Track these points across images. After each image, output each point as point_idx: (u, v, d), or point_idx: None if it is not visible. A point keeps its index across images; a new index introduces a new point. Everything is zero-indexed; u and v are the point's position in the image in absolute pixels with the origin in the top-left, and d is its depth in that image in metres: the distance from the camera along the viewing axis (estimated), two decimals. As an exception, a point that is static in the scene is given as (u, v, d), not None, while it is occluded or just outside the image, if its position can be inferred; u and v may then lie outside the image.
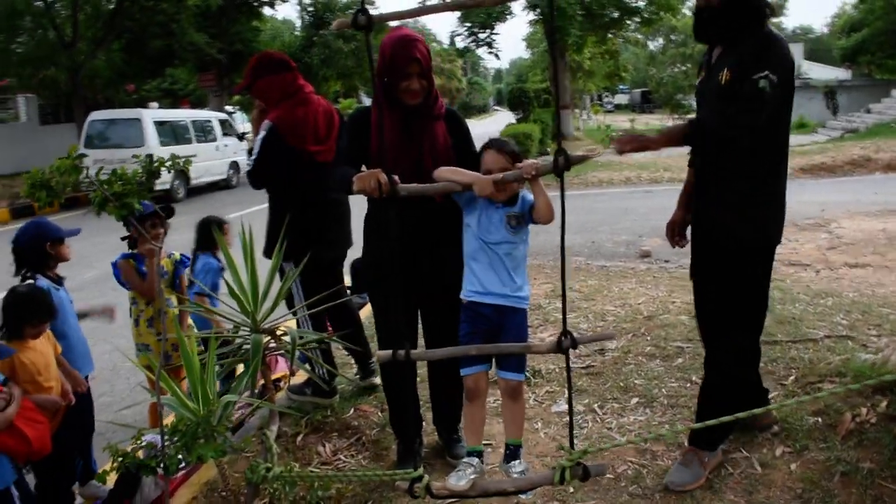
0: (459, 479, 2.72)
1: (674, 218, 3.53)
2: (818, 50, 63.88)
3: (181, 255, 4.37)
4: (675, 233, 3.53)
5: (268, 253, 3.97)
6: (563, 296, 2.57)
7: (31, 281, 3.48)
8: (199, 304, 4.28)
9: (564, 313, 2.54)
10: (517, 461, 2.93)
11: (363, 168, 3.01)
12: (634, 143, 2.93)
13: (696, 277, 3.36)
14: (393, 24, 4.33)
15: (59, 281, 3.72)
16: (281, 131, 3.87)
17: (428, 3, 21.33)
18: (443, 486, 2.72)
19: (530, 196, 2.88)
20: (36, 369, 3.20)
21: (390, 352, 2.43)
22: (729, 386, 3.21)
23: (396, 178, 2.52)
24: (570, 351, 2.48)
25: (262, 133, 3.91)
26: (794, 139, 22.12)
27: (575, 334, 2.50)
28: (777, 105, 2.94)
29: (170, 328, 4.05)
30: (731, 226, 3.08)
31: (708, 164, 3.20)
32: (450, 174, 2.82)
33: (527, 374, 4.43)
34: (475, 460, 2.89)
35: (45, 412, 3.17)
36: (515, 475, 2.85)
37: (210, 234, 4.32)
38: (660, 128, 3.02)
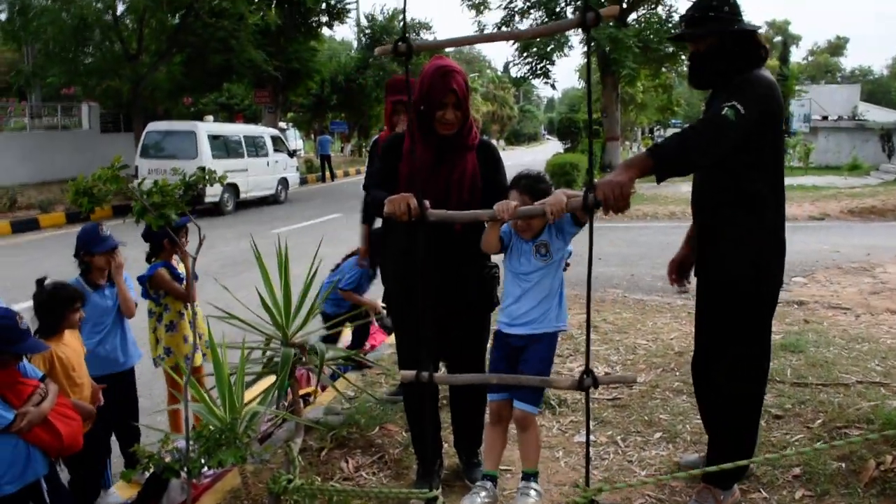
0: (472, 502, 2.77)
1: (675, 257, 3.55)
2: (877, 92, 62.83)
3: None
4: (674, 271, 3.55)
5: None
6: (588, 334, 2.61)
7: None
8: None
9: (588, 351, 2.58)
10: (532, 489, 2.96)
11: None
12: (617, 196, 2.51)
13: (696, 320, 3.37)
14: (440, 52, 4.44)
15: (96, 286, 3.95)
16: None
17: (485, 31, 21.39)
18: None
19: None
20: (70, 365, 3.39)
21: (414, 373, 2.49)
22: (730, 433, 3.21)
23: (427, 203, 2.60)
24: (612, 383, 2.52)
25: None
26: (846, 181, 21.79)
27: (597, 373, 2.53)
28: (756, 142, 2.93)
29: (203, 327, 4.24)
30: (727, 270, 3.08)
31: (705, 205, 3.22)
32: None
33: (552, 402, 4.47)
34: (489, 484, 2.94)
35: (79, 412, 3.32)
36: (530, 500, 2.88)
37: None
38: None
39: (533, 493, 2.89)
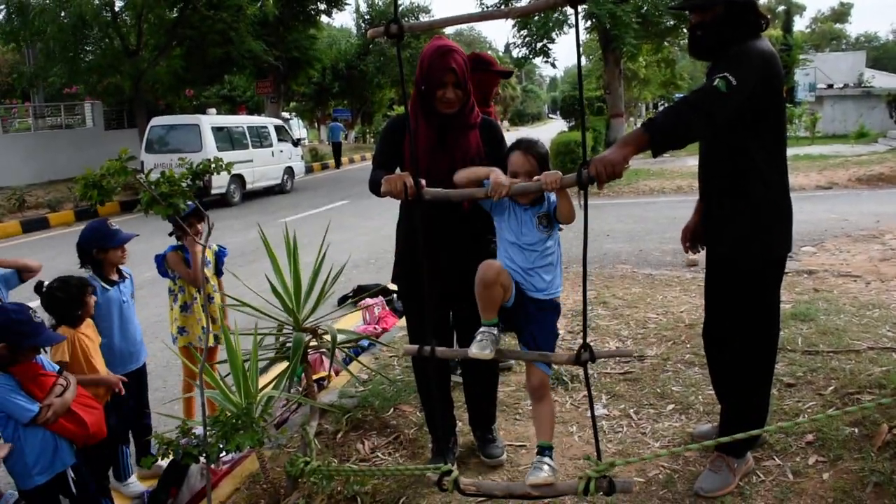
0: (483, 349, 2.73)
1: (688, 224, 3.56)
2: (883, 58, 62.26)
3: (218, 245, 4.61)
4: (687, 238, 3.55)
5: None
6: (584, 309, 2.63)
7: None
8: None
9: (585, 326, 2.60)
10: (546, 463, 2.95)
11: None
12: (609, 174, 2.53)
13: (705, 290, 3.38)
14: (439, 32, 4.43)
15: (109, 281, 3.98)
16: None
17: (481, 9, 21.35)
18: (471, 482, 2.79)
19: (554, 196, 2.90)
20: (89, 351, 3.45)
21: (416, 347, 2.51)
22: (742, 402, 3.22)
23: (423, 182, 2.61)
24: (610, 357, 2.53)
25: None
26: (853, 149, 21.66)
27: (608, 348, 2.54)
28: (756, 113, 2.92)
29: (217, 314, 4.30)
30: (731, 240, 3.08)
31: (707, 176, 3.22)
32: (466, 173, 2.87)
33: (565, 378, 4.50)
34: (494, 329, 2.85)
35: (97, 391, 3.40)
36: (543, 474, 2.85)
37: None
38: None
39: (546, 467, 2.87)
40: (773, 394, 3.73)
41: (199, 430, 3.02)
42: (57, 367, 3.16)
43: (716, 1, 3.00)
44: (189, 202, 2.73)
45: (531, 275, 2.98)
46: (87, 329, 3.58)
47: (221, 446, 2.84)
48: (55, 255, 10.22)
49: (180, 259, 4.36)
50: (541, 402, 3.06)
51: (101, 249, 3.93)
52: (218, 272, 4.62)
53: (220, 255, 4.62)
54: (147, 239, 4.36)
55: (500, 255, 3.06)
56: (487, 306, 2.89)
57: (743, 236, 3.05)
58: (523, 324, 3.03)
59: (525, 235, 2.96)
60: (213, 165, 2.63)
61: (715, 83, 2.75)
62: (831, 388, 4.09)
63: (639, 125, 3.06)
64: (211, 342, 4.37)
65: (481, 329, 2.85)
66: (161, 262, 4.39)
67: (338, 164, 28.17)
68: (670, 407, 4.11)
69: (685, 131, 2.73)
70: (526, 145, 2.98)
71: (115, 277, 4.02)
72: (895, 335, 4.89)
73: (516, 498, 2.90)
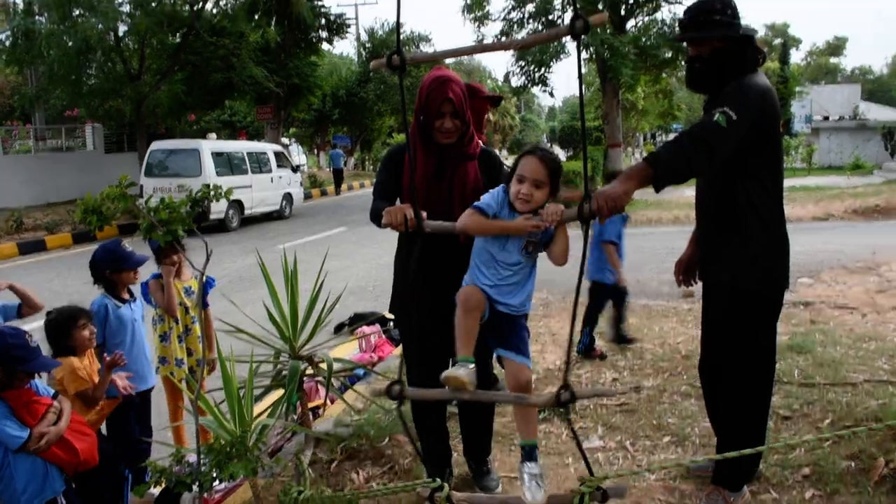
0: (460, 371, 2.63)
1: (681, 257, 3.57)
2: (877, 91, 62.78)
3: (207, 276, 4.57)
4: (680, 272, 3.56)
5: None
6: (569, 347, 2.62)
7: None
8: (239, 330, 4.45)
9: (568, 365, 2.58)
10: (533, 462, 2.83)
11: (397, 203, 3.12)
12: (611, 208, 2.52)
13: (702, 322, 3.39)
14: (438, 63, 4.48)
15: (121, 300, 4.04)
16: None
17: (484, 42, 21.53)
18: (464, 496, 2.76)
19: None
20: (88, 374, 3.45)
21: (386, 385, 2.52)
22: (738, 434, 3.21)
23: (424, 214, 2.62)
24: (590, 397, 2.49)
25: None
26: (849, 181, 21.76)
27: (605, 379, 2.52)
28: (753, 147, 2.94)
29: (196, 346, 4.29)
30: (729, 274, 3.09)
31: (704, 210, 3.24)
32: (478, 228, 2.78)
33: (560, 408, 4.47)
34: (470, 365, 2.71)
35: (92, 415, 3.40)
36: (541, 496, 2.74)
37: None
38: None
39: (540, 484, 2.74)
40: (770, 426, 3.72)
41: (192, 458, 3.00)
42: (51, 392, 3.14)
43: (714, 35, 3.04)
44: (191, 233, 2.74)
45: (499, 290, 2.86)
46: (87, 360, 3.57)
47: (215, 475, 2.82)
48: (52, 277, 10.22)
49: (159, 287, 4.35)
50: (524, 392, 2.83)
51: (114, 271, 3.99)
52: (203, 303, 4.52)
53: (205, 286, 4.55)
54: (146, 264, 4.36)
55: (472, 269, 2.93)
56: (465, 339, 2.79)
57: (740, 271, 3.06)
58: (489, 329, 2.92)
59: (503, 255, 2.83)
60: (211, 192, 2.64)
61: (715, 118, 2.77)
62: (828, 420, 4.09)
63: (640, 158, 3.07)
64: (180, 375, 4.34)
65: (459, 362, 2.74)
66: (146, 290, 4.39)
67: (338, 191, 28.27)
68: (666, 439, 4.10)
69: (687, 166, 2.74)
70: (543, 153, 2.77)
71: (126, 297, 4.08)
72: (892, 367, 4.90)
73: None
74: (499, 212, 2.79)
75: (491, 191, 2.87)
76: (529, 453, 2.88)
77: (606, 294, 5.79)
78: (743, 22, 3.08)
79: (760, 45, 3.11)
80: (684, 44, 3.31)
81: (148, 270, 4.32)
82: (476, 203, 2.80)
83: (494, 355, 3.21)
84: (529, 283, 2.94)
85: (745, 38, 3.04)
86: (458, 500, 2.68)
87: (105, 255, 3.98)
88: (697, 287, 3.48)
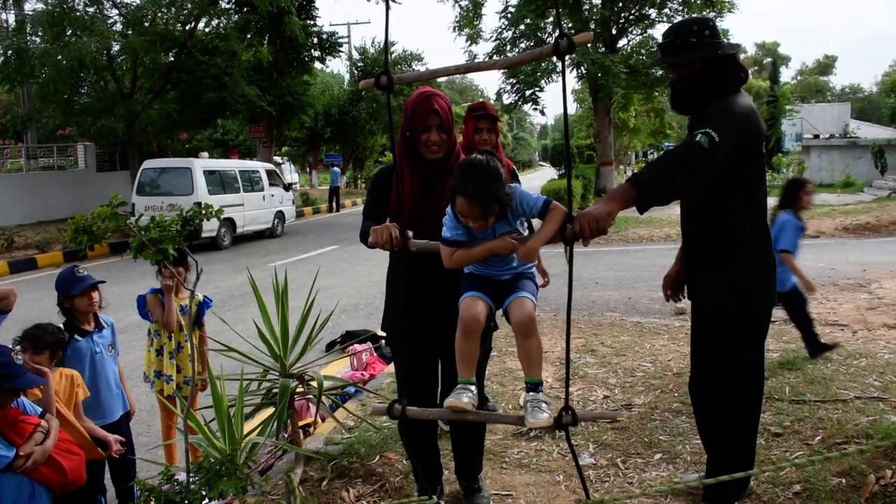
0: (462, 397, 2.62)
1: (669, 272, 3.59)
2: (867, 109, 63.27)
3: (204, 296, 4.58)
4: (668, 286, 3.58)
5: None
6: (567, 369, 2.62)
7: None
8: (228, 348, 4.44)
9: (567, 388, 2.57)
10: (542, 399, 2.67)
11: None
12: (593, 230, 2.51)
13: (691, 340, 3.39)
14: (431, 83, 4.50)
15: (81, 332, 3.85)
16: None
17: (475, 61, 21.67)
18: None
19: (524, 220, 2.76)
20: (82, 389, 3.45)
21: (385, 406, 2.50)
22: (728, 451, 3.22)
23: (410, 233, 2.62)
24: (593, 420, 2.44)
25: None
26: (840, 198, 21.87)
27: (596, 396, 2.50)
28: (737, 167, 2.95)
29: (186, 363, 4.27)
30: (714, 293, 3.11)
31: (689, 229, 3.25)
32: (466, 260, 2.73)
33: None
34: (472, 387, 2.71)
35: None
36: (544, 416, 2.59)
37: None
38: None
39: (544, 406, 2.60)
40: (760, 443, 3.73)
41: (182, 477, 2.99)
42: (39, 411, 3.12)
43: (693, 58, 3.06)
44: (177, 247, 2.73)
45: (493, 267, 2.82)
46: (62, 379, 3.52)
47: (204, 493, 2.81)
48: (42, 296, 10.14)
49: (158, 302, 4.36)
50: (528, 338, 2.75)
51: (66, 297, 3.82)
52: (198, 322, 4.52)
53: (202, 306, 4.56)
54: (135, 282, 4.36)
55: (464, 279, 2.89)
56: (466, 362, 2.76)
57: (721, 291, 3.07)
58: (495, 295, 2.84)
59: (492, 264, 2.81)
60: (203, 212, 2.64)
61: (697, 139, 2.77)
62: (818, 437, 4.10)
63: (626, 178, 3.06)
64: (168, 391, 4.36)
65: (460, 386, 2.72)
66: (142, 304, 4.39)
67: (337, 208, 28.38)
68: (658, 456, 4.09)
69: (670, 187, 2.73)
70: (471, 192, 2.58)
71: (89, 327, 3.89)
72: (882, 384, 4.91)
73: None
74: (462, 233, 2.72)
75: (445, 219, 2.77)
76: (533, 388, 2.72)
77: (797, 297, 5.71)
78: (733, 41, 3.10)
79: (748, 62, 3.13)
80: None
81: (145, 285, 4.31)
82: (443, 238, 2.74)
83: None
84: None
85: (727, 58, 3.05)
86: None
87: (60, 282, 3.85)
88: (688, 304, 3.49)
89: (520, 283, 2.82)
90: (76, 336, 3.81)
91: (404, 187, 3.15)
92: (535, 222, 2.75)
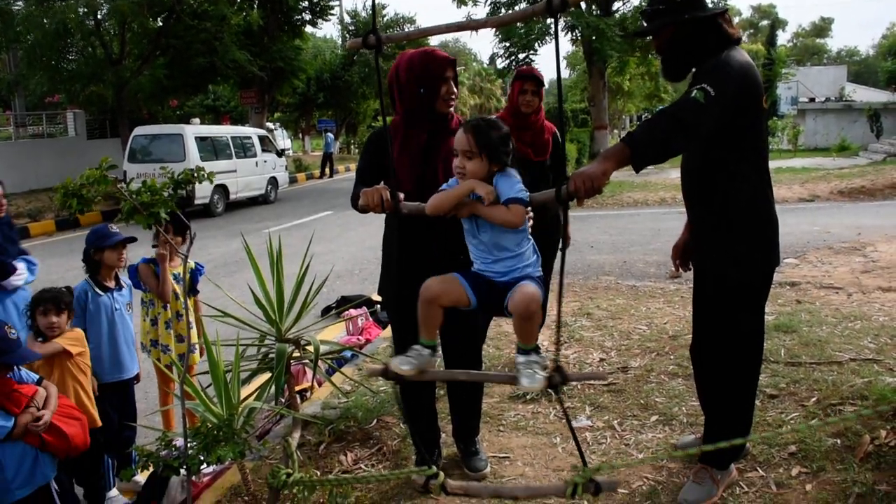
0: (402, 364, 2.49)
1: (678, 241, 3.57)
2: (863, 72, 63.05)
3: (196, 262, 4.56)
4: (677, 255, 3.56)
5: None
6: (558, 331, 2.60)
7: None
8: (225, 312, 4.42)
9: (558, 349, 2.54)
10: (535, 360, 2.51)
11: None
12: (588, 189, 2.42)
13: (693, 304, 3.38)
14: (424, 43, 4.43)
15: (103, 287, 4.02)
16: None
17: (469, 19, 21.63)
18: (459, 484, 2.75)
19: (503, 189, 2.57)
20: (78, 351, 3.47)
21: (382, 367, 2.47)
22: (726, 413, 3.23)
23: (401, 195, 2.57)
24: (582, 380, 2.42)
25: None
26: (835, 162, 21.87)
27: (593, 359, 2.48)
28: (735, 124, 2.90)
29: (185, 332, 4.27)
30: (715, 256, 3.08)
31: (690, 192, 3.22)
32: (444, 202, 2.59)
33: (548, 389, 4.48)
34: (426, 350, 2.58)
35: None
36: (539, 377, 2.43)
37: None
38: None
39: (538, 367, 2.45)
40: (757, 405, 3.73)
41: (179, 442, 2.98)
42: (35, 378, 3.11)
43: (660, 25, 3.00)
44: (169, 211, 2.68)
45: (488, 264, 2.67)
46: (70, 342, 3.55)
47: (202, 458, 2.80)
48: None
49: (151, 272, 4.33)
50: (529, 320, 2.61)
51: (97, 250, 3.99)
52: (192, 290, 4.54)
53: (195, 273, 4.55)
54: (129, 250, 4.31)
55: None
56: (425, 325, 2.64)
57: (729, 252, 3.04)
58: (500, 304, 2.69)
59: (480, 236, 2.67)
60: (195, 174, 2.61)
61: (693, 94, 2.73)
62: (814, 399, 4.11)
63: (620, 139, 3.02)
64: (167, 360, 4.36)
65: (415, 347, 2.60)
66: (134, 273, 4.37)
67: (331, 174, 28.21)
68: (654, 418, 4.11)
69: (665, 144, 2.68)
70: (472, 123, 2.58)
71: (110, 284, 4.06)
72: (877, 346, 4.92)
73: (504, 498, 2.86)
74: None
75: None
76: (526, 352, 2.58)
77: None
78: (731, 2, 3.03)
79: (741, 24, 3.06)
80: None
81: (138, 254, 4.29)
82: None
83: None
84: (520, 247, 2.67)
85: (703, 18, 2.96)
86: (452, 489, 2.66)
87: (91, 235, 4.02)
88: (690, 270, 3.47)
89: (523, 280, 2.67)
90: (98, 291, 3.97)
91: (411, 148, 3.11)
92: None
